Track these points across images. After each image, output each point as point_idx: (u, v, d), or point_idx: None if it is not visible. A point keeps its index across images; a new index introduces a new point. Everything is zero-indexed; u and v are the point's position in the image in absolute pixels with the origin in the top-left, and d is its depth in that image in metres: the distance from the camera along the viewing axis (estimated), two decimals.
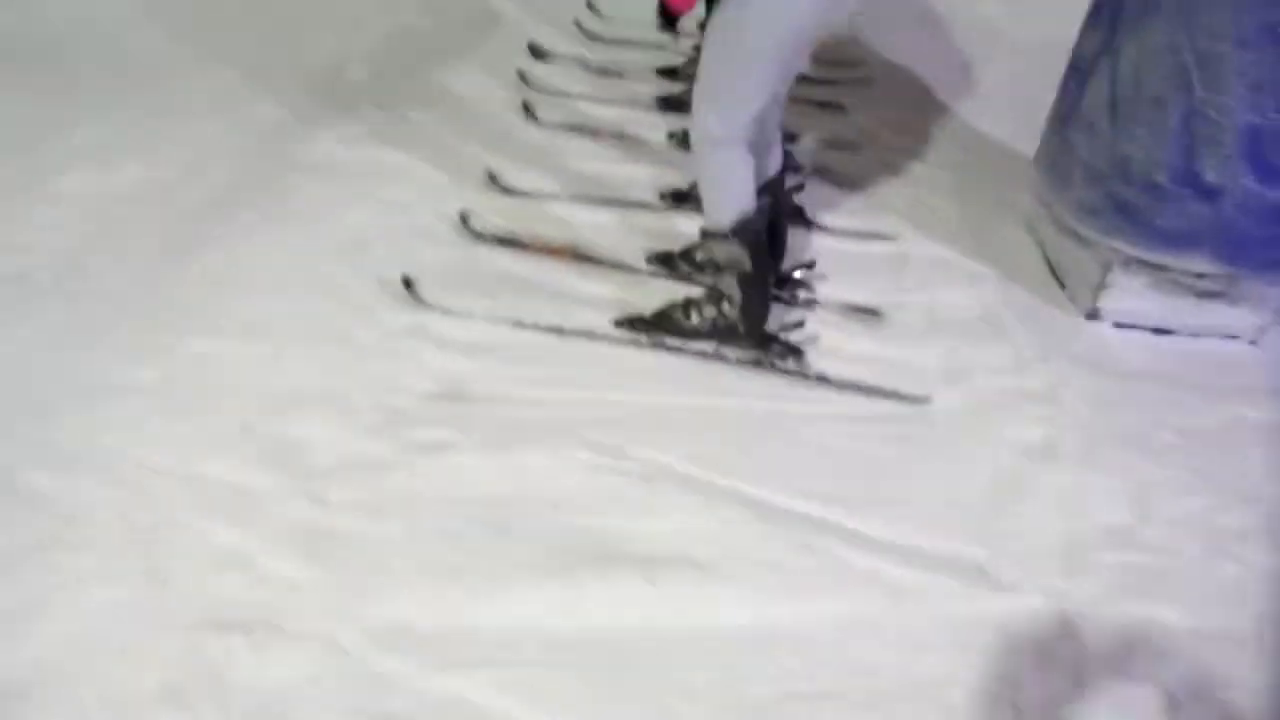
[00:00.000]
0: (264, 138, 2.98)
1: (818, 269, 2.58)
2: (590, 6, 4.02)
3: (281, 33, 3.57)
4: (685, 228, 2.56)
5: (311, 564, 1.77)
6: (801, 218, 2.77)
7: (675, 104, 3.24)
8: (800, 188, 2.88)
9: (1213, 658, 1.74)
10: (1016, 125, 3.28)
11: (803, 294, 2.51)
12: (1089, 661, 1.73)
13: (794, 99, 2.44)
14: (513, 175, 2.88)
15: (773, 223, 2.40)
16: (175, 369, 2.15)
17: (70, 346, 2.18)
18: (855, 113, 3.47)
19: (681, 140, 3.01)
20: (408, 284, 2.38)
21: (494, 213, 2.71)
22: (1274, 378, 2.41)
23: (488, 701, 1.57)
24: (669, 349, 2.32)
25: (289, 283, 2.42)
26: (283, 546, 1.79)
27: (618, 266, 2.54)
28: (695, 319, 2.32)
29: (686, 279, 2.50)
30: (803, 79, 2.50)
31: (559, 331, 2.32)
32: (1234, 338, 2.50)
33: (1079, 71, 2.55)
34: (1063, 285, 2.64)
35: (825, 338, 2.39)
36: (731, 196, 2.21)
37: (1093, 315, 2.52)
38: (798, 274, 2.54)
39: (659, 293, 2.44)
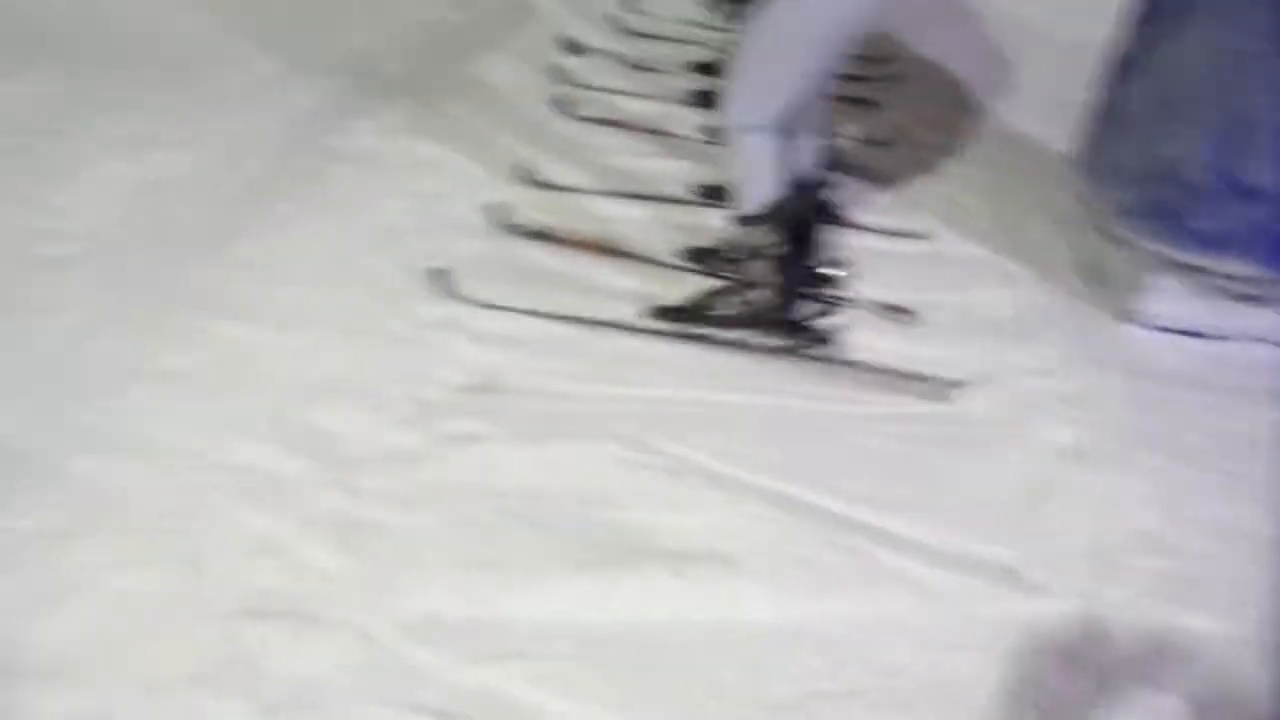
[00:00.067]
0: (301, 128, 3.01)
1: (848, 267, 2.57)
2: (624, 1, 4.02)
3: (319, 23, 3.60)
4: (718, 223, 2.55)
5: (344, 553, 1.78)
6: (834, 215, 2.76)
7: (709, 99, 3.23)
8: (833, 185, 2.86)
9: (1242, 665, 1.73)
10: (1052, 123, 3.25)
11: (835, 292, 2.50)
12: (1116, 666, 1.72)
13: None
14: (547, 168, 2.89)
15: (806, 220, 2.40)
16: (211, 356, 2.18)
17: (108, 332, 2.21)
18: (888, 109, 3.45)
19: (716, 135, 3.00)
20: (441, 276, 2.40)
21: (528, 206, 2.72)
22: None
23: (518, 694, 1.58)
24: (699, 338, 2.32)
25: (324, 272, 2.44)
26: (316, 535, 1.81)
27: (650, 261, 2.55)
28: (726, 307, 2.32)
29: (719, 274, 2.50)
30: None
31: (591, 325, 2.33)
32: (1268, 342, 2.47)
33: (1117, 70, 2.53)
34: (1098, 286, 2.61)
35: (857, 336, 2.38)
36: (761, 181, 2.21)
37: (1127, 317, 2.50)
38: (830, 272, 2.52)
39: (691, 287, 2.44)
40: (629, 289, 2.46)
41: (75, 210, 2.57)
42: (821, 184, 2.45)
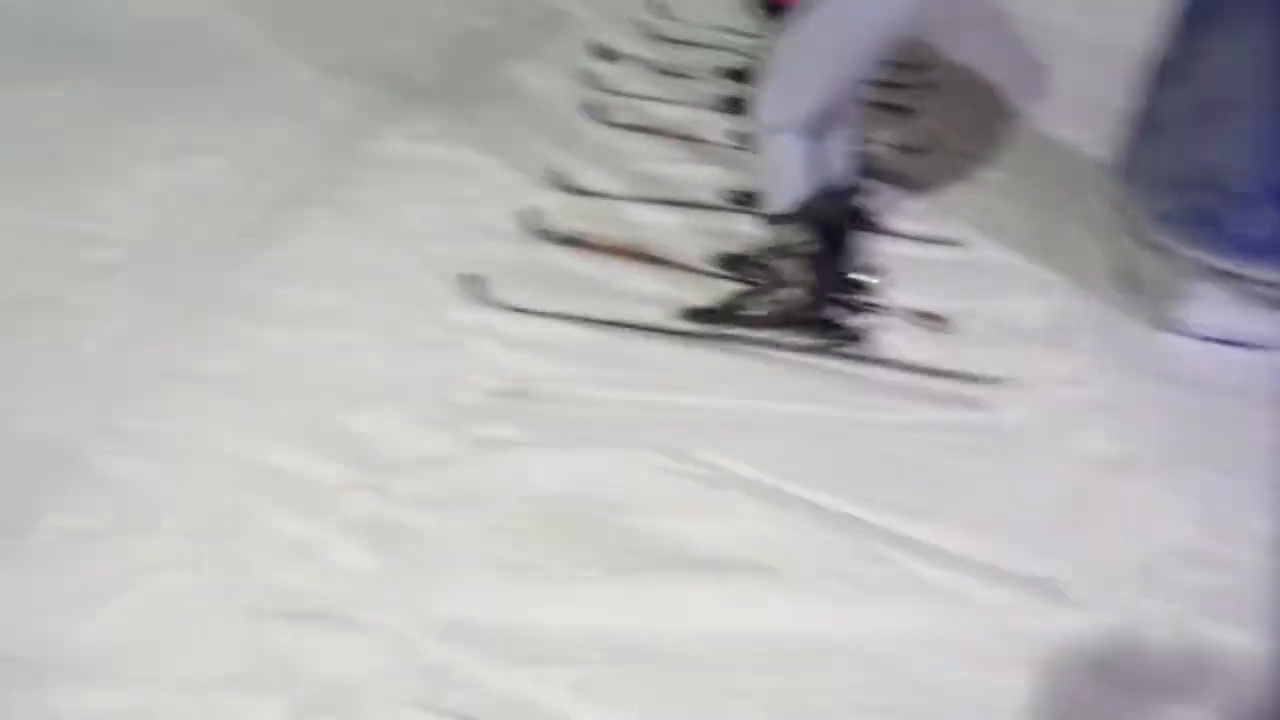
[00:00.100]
0: (336, 134, 3.03)
1: (881, 274, 2.55)
2: (655, 7, 4.02)
3: (354, 31, 3.63)
4: (750, 229, 2.54)
5: (378, 556, 1.79)
6: (867, 222, 2.74)
7: (740, 105, 3.22)
8: (866, 191, 2.84)
9: None
10: (1087, 129, 3.22)
11: (868, 298, 2.48)
12: (1157, 684, 1.68)
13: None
14: (579, 174, 2.90)
15: (840, 227, 2.38)
16: (248, 360, 2.19)
17: (149, 336, 2.23)
18: (922, 116, 3.43)
19: (746, 141, 2.99)
20: (474, 281, 2.40)
21: (560, 211, 2.72)
22: None
23: (550, 700, 1.58)
24: (732, 340, 2.30)
25: (358, 278, 2.45)
26: (349, 538, 1.82)
27: (682, 267, 2.54)
28: (757, 307, 2.31)
29: (751, 280, 2.49)
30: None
31: (623, 331, 2.33)
32: None
33: (1159, 75, 2.49)
34: (1134, 294, 2.58)
35: (889, 343, 2.36)
36: (791, 181, 2.20)
37: (1165, 326, 2.46)
38: (863, 279, 2.51)
39: (723, 293, 2.43)
40: (661, 295, 2.45)
41: (117, 215, 2.59)
42: (855, 190, 2.44)
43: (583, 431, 2.06)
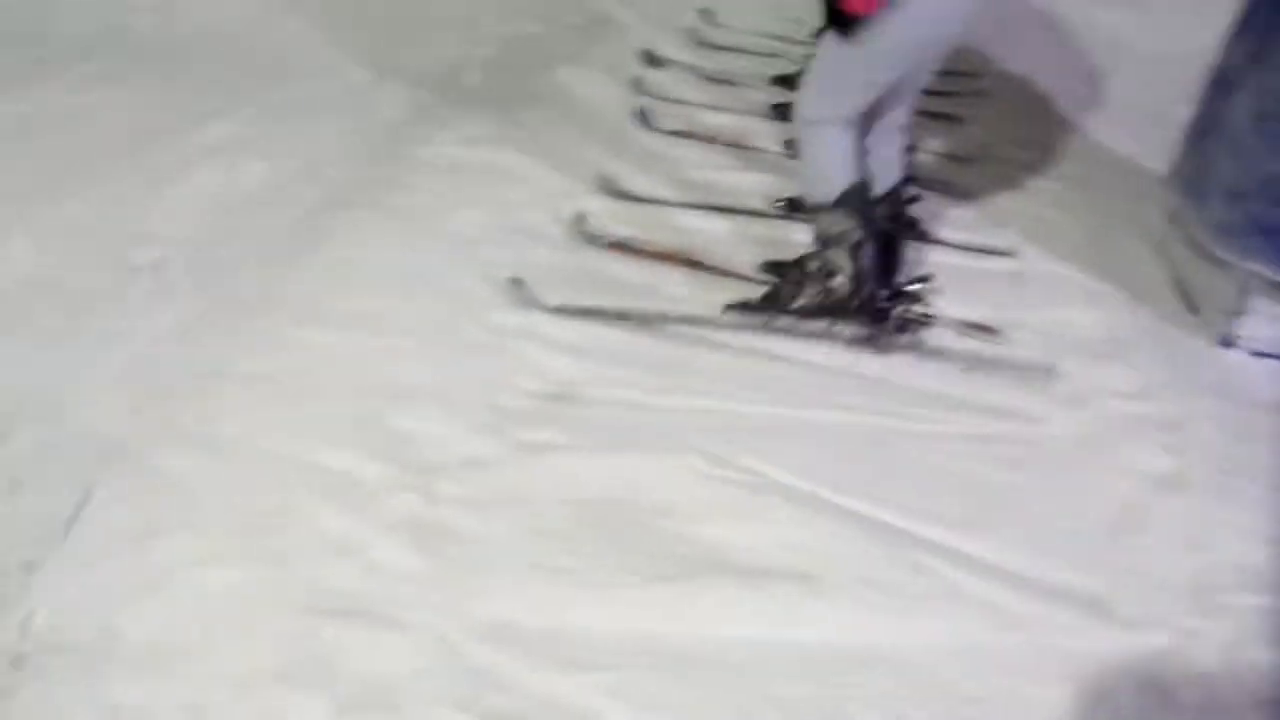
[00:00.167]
0: (383, 137, 3.07)
1: (932, 284, 2.53)
2: (704, 14, 4.02)
3: (403, 35, 3.68)
4: (798, 237, 2.53)
5: (420, 557, 1.80)
6: (917, 230, 2.72)
7: (789, 112, 3.21)
8: (916, 199, 2.82)
9: None
10: (1143, 139, 3.18)
11: (917, 309, 2.45)
12: (1201, 706, 1.64)
13: None
14: (626, 180, 2.90)
15: (889, 234, 2.37)
16: (295, 360, 2.22)
17: (198, 334, 2.27)
18: (972, 124, 3.39)
19: (795, 150, 2.98)
20: (520, 285, 2.41)
21: (607, 217, 2.73)
22: None
23: (591, 704, 1.57)
24: (779, 330, 2.29)
25: (405, 279, 2.48)
26: (393, 538, 1.83)
27: (729, 274, 2.53)
28: (805, 296, 2.30)
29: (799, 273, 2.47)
30: None
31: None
32: None
33: (1222, 84, 2.44)
34: (1193, 309, 2.52)
35: (938, 354, 2.33)
36: (832, 171, 2.21)
37: (1226, 342, 2.40)
38: (913, 288, 2.48)
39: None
40: (708, 302, 2.44)
41: (168, 215, 2.65)
42: (905, 197, 2.42)
43: (625, 436, 2.06)
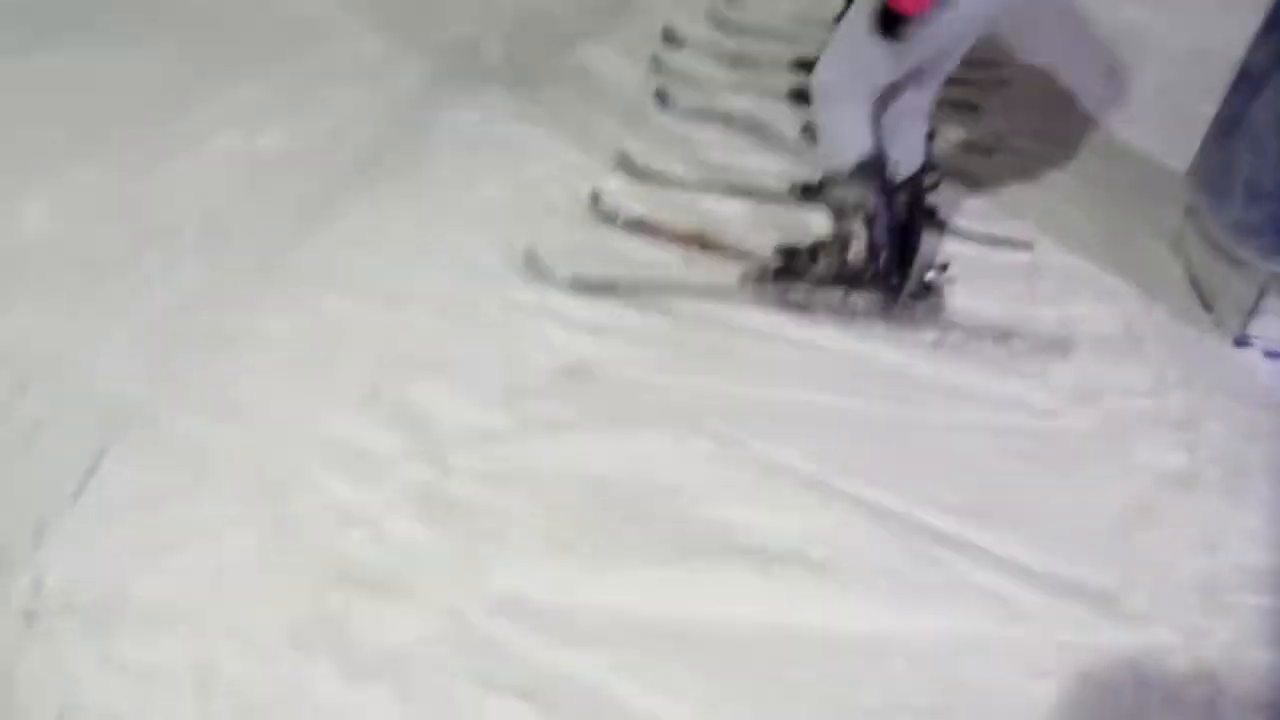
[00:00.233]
0: (403, 108, 3.05)
1: (946, 272, 2.52)
2: None
3: (426, 6, 3.64)
4: (814, 222, 2.52)
5: (432, 528, 1.81)
6: (934, 219, 2.70)
7: (809, 97, 3.19)
8: (936, 185, 2.80)
9: None
10: (1163, 136, 3.15)
11: (932, 298, 2.45)
12: (1225, 711, 1.64)
13: None
14: (645, 159, 2.89)
15: (906, 223, 2.36)
16: (309, 327, 2.22)
17: (214, 299, 2.27)
18: (990, 115, 3.37)
19: (813, 135, 2.96)
20: (536, 260, 2.41)
21: (624, 195, 2.72)
22: None
23: (598, 680, 1.58)
24: (796, 303, 2.30)
25: (421, 251, 2.47)
26: (405, 509, 1.84)
27: (745, 256, 2.52)
28: (821, 266, 2.30)
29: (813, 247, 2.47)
30: None
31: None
32: None
33: (1248, 82, 2.42)
34: (1208, 307, 2.51)
35: (953, 344, 2.33)
36: (848, 140, 2.21)
37: (1242, 341, 2.40)
38: (929, 275, 2.47)
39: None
40: (722, 284, 2.44)
41: (186, 180, 2.64)
42: (926, 183, 2.41)
43: (637, 415, 2.06)
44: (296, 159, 2.76)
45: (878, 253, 2.26)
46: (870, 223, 2.24)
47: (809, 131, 3.04)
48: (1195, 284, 2.59)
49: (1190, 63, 3.43)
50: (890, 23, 1.94)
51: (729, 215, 2.71)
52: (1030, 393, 2.22)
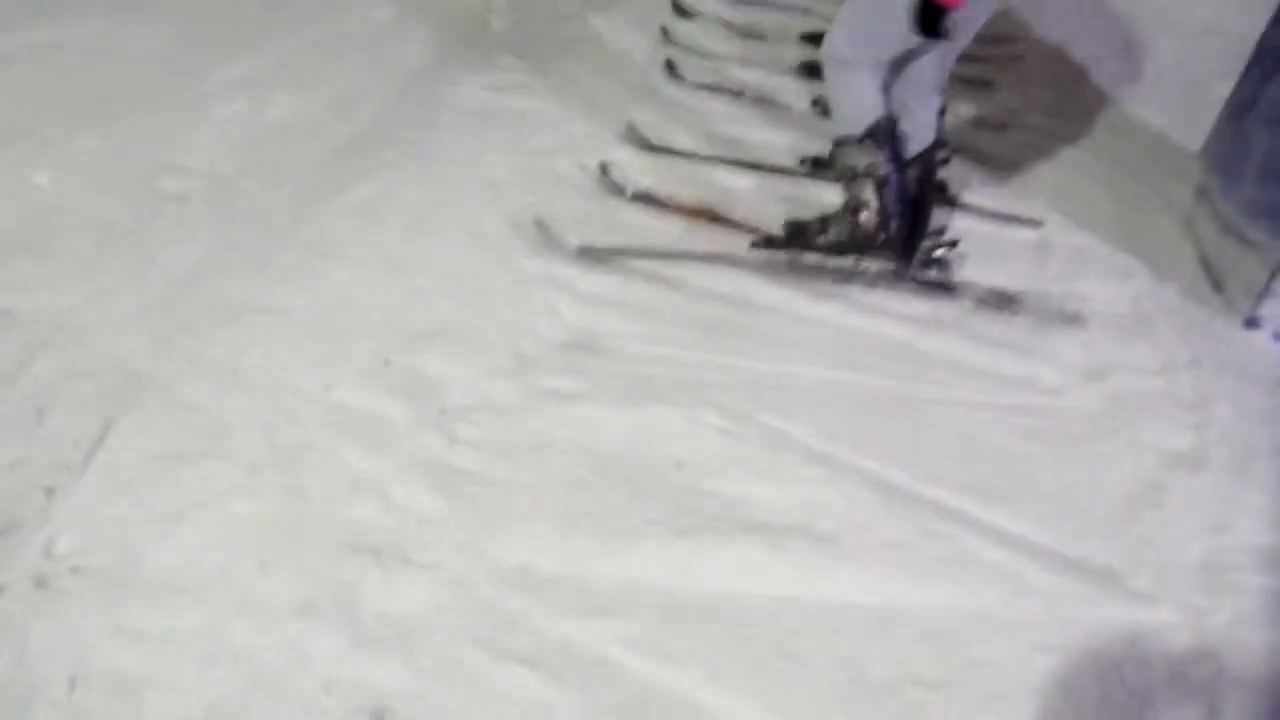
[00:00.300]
0: (412, 78, 3.04)
1: (957, 249, 2.51)
2: None
3: None
4: (823, 195, 2.51)
5: (440, 497, 1.81)
6: (944, 194, 2.69)
7: (818, 71, 3.16)
8: (947, 161, 2.78)
9: None
10: (1176, 114, 3.14)
11: (941, 274, 2.44)
12: (1226, 689, 1.65)
13: None
14: (654, 132, 2.87)
15: (917, 198, 2.35)
16: (318, 296, 2.22)
17: (223, 267, 2.27)
18: (1004, 91, 3.34)
19: (823, 108, 2.95)
20: (544, 231, 2.40)
21: (633, 167, 2.71)
22: None
23: (605, 651, 1.59)
24: (806, 269, 2.30)
25: (429, 222, 2.46)
26: (414, 478, 1.84)
27: (754, 230, 2.51)
28: (832, 231, 2.30)
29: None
30: None
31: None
32: None
33: (1266, 62, 2.40)
34: (1219, 288, 2.50)
35: (961, 320, 2.33)
36: (859, 105, 2.21)
37: (1252, 323, 2.39)
38: (939, 252, 2.46)
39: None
40: (731, 257, 2.43)
41: (195, 147, 2.63)
42: (938, 158, 2.40)
43: (645, 388, 2.06)
44: (306, 127, 2.75)
45: (889, 219, 2.25)
46: (881, 188, 2.23)
47: (818, 105, 3.02)
48: (1206, 264, 2.58)
49: (1205, 41, 3.41)
50: (930, 19, 1.92)
51: (738, 188, 2.70)
52: (1038, 370, 2.21)
